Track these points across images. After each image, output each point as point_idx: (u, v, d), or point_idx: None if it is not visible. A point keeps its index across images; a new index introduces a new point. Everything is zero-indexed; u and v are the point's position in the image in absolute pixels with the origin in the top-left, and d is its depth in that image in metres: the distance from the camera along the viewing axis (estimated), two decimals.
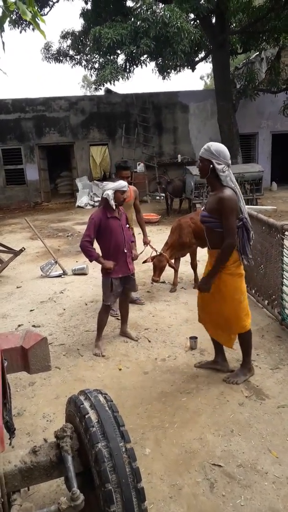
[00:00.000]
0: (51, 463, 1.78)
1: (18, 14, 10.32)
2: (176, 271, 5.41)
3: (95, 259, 3.75)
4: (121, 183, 3.76)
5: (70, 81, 61.78)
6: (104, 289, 3.88)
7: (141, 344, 4.02)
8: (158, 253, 5.01)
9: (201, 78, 36.35)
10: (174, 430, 2.78)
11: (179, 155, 14.69)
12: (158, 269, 5.02)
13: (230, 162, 2.97)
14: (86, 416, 1.76)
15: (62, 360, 3.79)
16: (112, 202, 3.72)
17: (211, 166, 2.92)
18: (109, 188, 3.74)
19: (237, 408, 2.98)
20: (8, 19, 2.60)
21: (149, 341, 4.07)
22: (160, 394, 3.19)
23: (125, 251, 3.85)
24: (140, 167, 14.20)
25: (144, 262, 5.11)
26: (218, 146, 2.95)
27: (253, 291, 4.91)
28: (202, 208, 3.22)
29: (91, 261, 3.84)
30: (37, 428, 2.89)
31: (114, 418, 1.78)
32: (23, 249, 6.59)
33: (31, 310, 5.04)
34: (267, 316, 4.46)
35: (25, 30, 12.56)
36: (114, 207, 3.74)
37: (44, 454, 1.79)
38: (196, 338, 3.90)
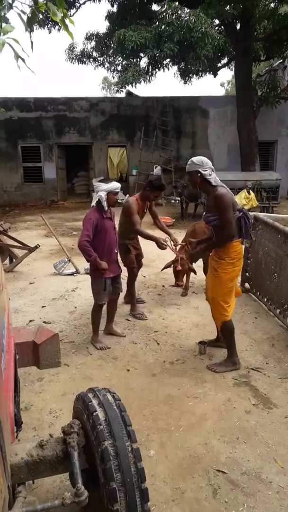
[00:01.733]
0: (57, 457, 1.80)
1: (45, 14, 10.46)
2: (188, 275, 5.38)
3: (93, 259, 3.75)
4: (114, 185, 3.77)
5: (90, 82, 62.34)
6: (97, 289, 3.93)
7: (150, 347, 4.03)
8: (176, 258, 4.79)
9: (222, 85, 36.29)
10: (179, 434, 2.78)
11: None
12: (181, 273, 4.88)
13: (213, 167, 3.36)
14: (94, 414, 1.78)
15: (71, 357, 3.82)
16: (105, 204, 3.74)
17: (199, 174, 3.31)
18: (102, 189, 3.74)
19: (244, 415, 2.96)
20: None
21: (158, 344, 4.07)
22: (167, 397, 3.20)
23: (116, 251, 3.94)
24: (157, 170, 14.23)
25: (164, 268, 4.98)
26: (199, 157, 3.39)
27: (265, 299, 4.88)
28: (205, 213, 3.60)
29: (88, 261, 3.84)
30: (43, 423, 2.92)
31: (122, 417, 1.79)
32: (38, 246, 6.67)
33: (42, 307, 5.09)
34: (278, 325, 4.43)
35: (50, 30, 12.76)
36: (106, 208, 3.77)
37: (51, 449, 1.81)
38: (205, 343, 3.89)
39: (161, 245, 4.24)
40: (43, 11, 2.54)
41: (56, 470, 1.83)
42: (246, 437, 2.74)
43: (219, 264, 3.42)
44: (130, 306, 4.87)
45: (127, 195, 14.23)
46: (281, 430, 2.80)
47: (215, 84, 67.65)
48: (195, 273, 4.90)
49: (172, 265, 4.80)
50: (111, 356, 3.84)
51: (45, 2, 2.48)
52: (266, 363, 3.67)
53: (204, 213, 3.50)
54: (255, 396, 3.19)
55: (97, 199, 3.78)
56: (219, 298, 3.47)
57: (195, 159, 3.38)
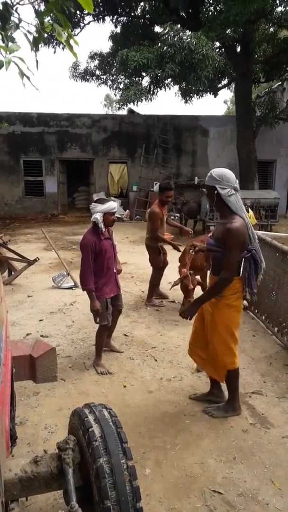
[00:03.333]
0: (51, 474, 1.77)
1: (50, 34, 10.71)
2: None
3: (90, 291, 3.64)
4: (111, 205, 3.64)
5: (92, 99, 63.34)
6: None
7: (147, 363, 4.00)
8: (185, 275, 4.85)
9: (225, 102, 36.77)
10: (175, 452, 2.74)
11: (196, 177, 14.83)
12: (192, 290, 4.89)
13: (236, 185, 2.83)
14: (90, 430, 1.76)
15: (68, 372, 3.79)
16: (102, 225, 3.62)
17: (216, 192, 2.83)
18: (98, 211, 3.62)
19: (241, 434, 2.93)
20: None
21: (156, 360, 4.05)
22: (164, 414, 3.16)
23: (115, 270, 3.86)
24: (157, 187, 14.35)
25: (173, 286, 4.96)
26: (221, 171, 2.86)
27: (263, 317, 4.87)
28: (209, 235, 3.12)
29: (84, 290, 3.71)
30: (38, 438, 2.88)
31: (118, 434, 1.77)
32: (37, 259, 6.68)
33: (40, 320, 5.07)
34: (276, 343, 4.41)
35: (55, 49, 13.04)
36: (103, 230, 3.67)
37: (45, 465, 1.78)
38: None
39: (177, 248, 4.87)
40: (49, 31, 2.61)
41: (50, 487, 1.79)
42: (243, 457, 2.71)
43: (213, 305, 2.97)
44: (147, 297, 5.62)
45: (127, 211, 14.33)
46: (278, 451, 2.77)
47: (217, 101, 68.79)
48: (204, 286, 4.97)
49: (180, 283, 4.87)
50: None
51: (51, 22, 2.55)
52: (264, 382, 3.65)
53: (209, 235, 3.18)
54: (252, 415, 3.16)
55: (93, 221, 3.66)
56: (220, 347, 3.00)
57: (216, 172, 2.85)
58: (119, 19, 13.57)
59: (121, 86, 14.34)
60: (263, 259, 2.96)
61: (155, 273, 5.62)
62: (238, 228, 2.75)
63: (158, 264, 5.52)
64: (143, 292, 6.12)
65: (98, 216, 3.62)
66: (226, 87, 14.18)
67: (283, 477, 2.54)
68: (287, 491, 2.42)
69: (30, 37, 2.67)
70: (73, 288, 6.35)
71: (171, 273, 5.95)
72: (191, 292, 4.87)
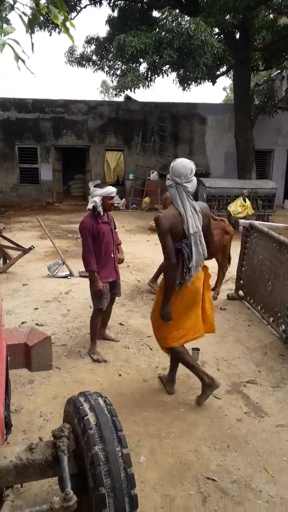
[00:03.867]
0: (46, 461, 1.77)
1: (46, 17, 10.50)
2: None
3: (92, 272, 3.69)
4: (109, 189, 3.72)
5: (89, 85, 62.47)
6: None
7: (143, 352, 4.01)
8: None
9: (224, 89, 36.28)
10: (170, 440, 2.76)
11: None
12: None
13: (181, 180, 2.83)
14: (85, 418, 1.76)
15: (63, 360, 3.79)
16: (100, 209, 3.69)
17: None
18: (97, 194, 3.69)
19: (235, 423, 2.95)
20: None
21: (151, 349, 4.06)
22: (159, 403, 3.18)
23: (112, 255, 3.87)
24: (154, 176, 14.27)
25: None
26: (174, 163, 2.89)
27: (259, 307, 4.89)
28: None
29: (87, 270, 3.78)
30: (33, 426, 2.89)
31: (113, 422, 1.78)
32: (32, 247, 6.64)
33: (35, 309, 5.06)
34: (272, 333, 4.43)
35: (50, 33, 12.79)
36: (102, 213, 3.73)
37: (40, 452, 1.79)
38: (198, 349, 3.88)
39: None
40: (44, 14, 2.54)
41: (45, 474, 1.80)
42: (237, 445, 2.73)
43: (198, 280, 3.01)
44: (152, 278, 5.65)
45: (123, 199, 14.25)
46: (272, 439, 2.80)
47: (216, 88, 68.09)
48: None
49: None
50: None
51: (46, 4, 2.48)
52: (259, 372, 3.67)
53: None
54: (246, 404, 3.19)
55: (92, 205, 3.73)
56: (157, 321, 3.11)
57: (174, 163, 2.90)
58: (116, 3, 13.29)
59: (118, 72, 14.11)
60: (193, 257, 2.87)
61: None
62: (159, 217, 2.85)
63: None
64: (139, 281, 6.11)
65: (97, 200, 3.68)
66: (225, 75, 13.99)
67: (276, 465, 2.57)
68: (280, 479, 2.46)
69: (26, 19, 2.60)
70: (69, 277, 6.33)
71: None
72: None
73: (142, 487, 2.36)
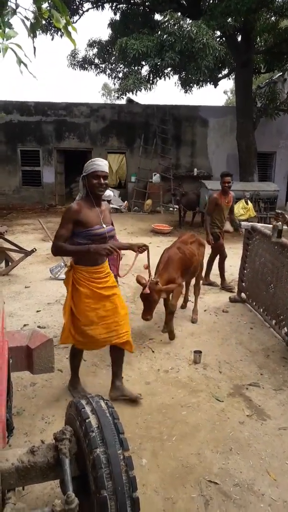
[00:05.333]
0: (48, 464, 1.77)
1: (48, 21, 10.56)
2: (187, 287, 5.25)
3: (88, 248, 3.55)
4: (106, 193, 3.61)
5: (90, 88, 62.73)
6: None
7: (145, 354, 4.01)
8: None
9: (225, 92, 36.36)
10: (172, 443, 2.76)
11: (195, 169, 14.76)
12: (154, 302, 4.13)
13: (84, 174, 3.09)
14: (87, 421, 1.76)
15: (65, 363, 3.79)
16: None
17: None
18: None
19: (238, 426, 2.94)
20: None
21: (153, 352, 4.06)
22: (160, 405, 3.17)
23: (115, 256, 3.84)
24: (156, 178, 14.29)
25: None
26: (91, 160, 3.07)
27: (261, 310, 4.88)
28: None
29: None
30: (35, 429, 2.88)
31: (114, 424, 1.78)
32: (34, 249, 6.65)
33: (37, 311, 5.07)
34: (274, 336, 4.42)
35: (52, 36, 12.85)
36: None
37: (42, 455, 1.79)
38: (200, 352, 3.87)
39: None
40: (47, 18, 2.56)
41: (47, 476, 1.80)
42: (239, 448, 2.72)
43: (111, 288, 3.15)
44: (221, 280, 6.04)
45: (125, 202, 14.28)
46: (274, 442, 2.79)
47: (217, 91, 68.11)
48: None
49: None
50: (105, 363, 3.82)
51: (48, 8, 2.50)
52: (261, 374, 3.66)
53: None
54: (249, 407, 3.18)
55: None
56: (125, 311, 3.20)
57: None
58: (118, 6, 13.36)
59: (120, 75, 14.19)
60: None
61: (220, 257, 6.08)
62: (67, 207, 3.05)
63: (219, 247, 5.98)
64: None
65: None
66: (227, 77, 14.02)
67: (278, 468, 2.56)
68: (283, 482, 2.45)
69: (28, 23, 2.62)
70: None
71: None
72: (153, 305, 4.01)
73: (144, 490, 2.35)
